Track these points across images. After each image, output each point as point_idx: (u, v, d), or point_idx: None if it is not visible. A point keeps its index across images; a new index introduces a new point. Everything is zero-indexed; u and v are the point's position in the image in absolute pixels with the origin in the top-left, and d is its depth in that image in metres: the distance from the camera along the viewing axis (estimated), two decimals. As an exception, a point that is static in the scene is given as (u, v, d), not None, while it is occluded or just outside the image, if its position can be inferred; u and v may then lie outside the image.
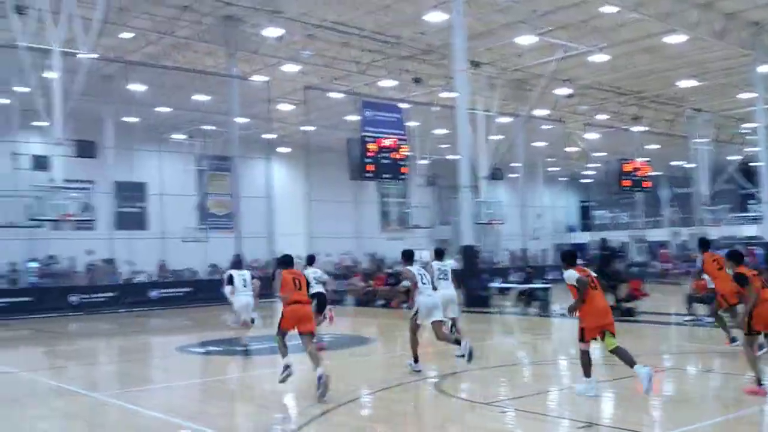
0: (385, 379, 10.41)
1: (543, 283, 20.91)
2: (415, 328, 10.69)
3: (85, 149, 19.87)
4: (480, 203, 27.44)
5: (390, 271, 24.38)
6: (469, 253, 22.20)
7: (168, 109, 35.64)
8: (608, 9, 24.10)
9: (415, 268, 11.00)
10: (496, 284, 22.29)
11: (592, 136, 39.94)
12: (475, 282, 21.70)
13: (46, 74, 21.75)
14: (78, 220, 19.31)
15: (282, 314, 9.43)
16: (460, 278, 13.09)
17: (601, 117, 40.00)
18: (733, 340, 11.24)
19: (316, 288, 13.34)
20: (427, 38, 27.97)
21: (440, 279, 11.59)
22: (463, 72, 21.67)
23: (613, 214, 55.43)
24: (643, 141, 39.65)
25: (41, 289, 26.25)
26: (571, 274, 8.36)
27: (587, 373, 8.40)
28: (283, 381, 9.16)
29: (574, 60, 28.18)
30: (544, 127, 39.23)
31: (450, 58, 25.51)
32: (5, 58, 27.33)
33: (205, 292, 26.05)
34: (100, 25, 18.37)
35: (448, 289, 11.70)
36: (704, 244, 12.22)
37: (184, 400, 9.49)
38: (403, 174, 26.33)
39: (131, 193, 35.61)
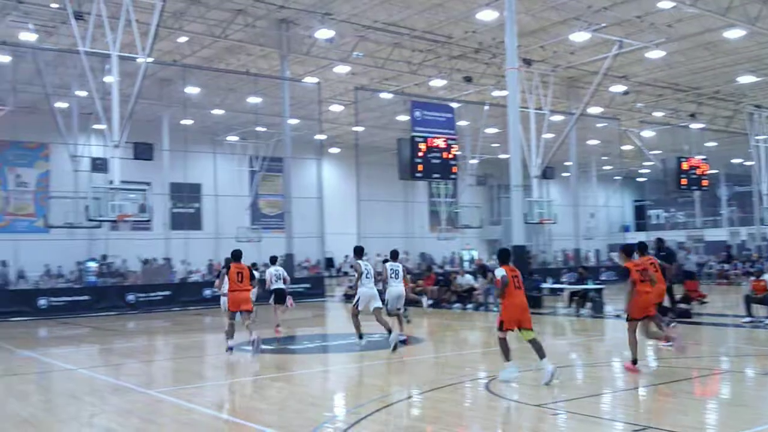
0: (434, 380, 10.37)
1: (596, 283, 20.55)
2: (355, 313, 13.16)
3: (143, 151, 20.33)
4: (531, 202, 27.12)
5: (441, 271, 24.28)
6: (519, 253, 21.97)
7: (222, 112, 36.32)
8: (665, 4, 23.57)
9: (363, 263, 13.07)
10: (547, 285, 22.00)
11: (648, 133, 39.05)
12: (526, 282, 21.46)
13: (105, 79, 22.38)
14: (135, 221, 19.76)
15: (229, 299, 12.69)
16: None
17: (658, 114, 39.12)
18: None
19: (277, 284, 16.04)
20: (478, 36, 27.79)
21: (391, 277, 13.50)
22: (514, 70, 21.45)
23: (668, 214, 54.15)
24: (701, 138, 38.61)
25: (99, 288, 26.98)
26: (499, 271, 9.66)
27: (507, 357, 9.61)
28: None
29: (629, 56, 27.64)
30: (598, 125, 38.56)
31: (501, 57, 25.29)
32: (66, 64, 28.33)
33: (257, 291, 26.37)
34: (156, 30, 18.78)
35: (398, 286, 13.54)
36: None
37: (236, 397, 9.63)
38: (453, 173, 26.19)
39: (186, 193, 36.40)
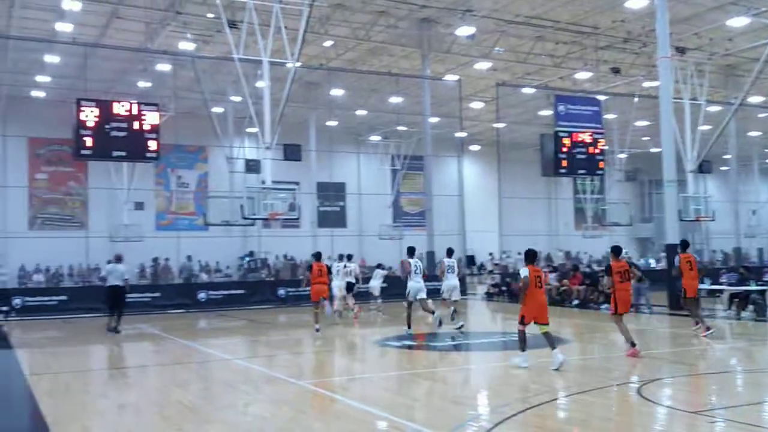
0: (581, 382, 10.07)
1: (759, 284, 19.10)
2: (409, 304, 15.58)
3: (292, 152, 21.14)
4: (686, 198, 25.59)
5: (588, 270, 23.49)
6: (673, 253, 20.86)
7: (365, 112, 37.13)
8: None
9: (413, 261, 15.63)
10: (705, 286, 20.68)
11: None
12: (678, 283, 20.35)
13: (257, 84, 23.53)
14: (285, 219, 20.62)
15: (311, 291, 16.34)
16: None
17: (829, 101, 35.80)
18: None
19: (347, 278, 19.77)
20: (627, 26, 26.67)
21: (448, 272, 16.29)
22: (667, 59, 20.37)
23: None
24: None
25: (253, 283, 28.40)
26: (523, 271, 10.83)
27: (523, 348, 10.78)
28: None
29: (795, 40, 25.43)
30: (760, 115, 35.85)
31: (652, 46, 24.11)
32: (221, 71, 30.08)
33: (398, 287, 26.69)
34: (303, 36, 19.49)
35: (452, 280, 16.29)
36: None
37: (382, 392, 9.83)
38: (600, 169, 25.33)
39: (331, 192, 37.56)
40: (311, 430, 7.75)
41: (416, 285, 15.33)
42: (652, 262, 40.36)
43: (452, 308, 16.18)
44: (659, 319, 18.91)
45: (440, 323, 15.29)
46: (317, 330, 15.95)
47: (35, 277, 33.28)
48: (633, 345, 11.76)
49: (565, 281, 23.58)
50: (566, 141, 24.16)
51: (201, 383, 11.04)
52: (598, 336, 16.42)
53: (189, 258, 32.96)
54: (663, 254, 21.02)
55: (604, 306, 21.40)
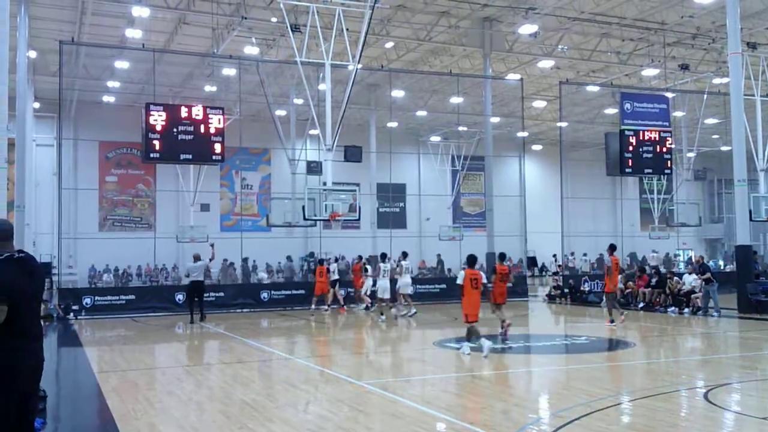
0: (645, 387, 9.84)
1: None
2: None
3: (352, 154, 21.29)
4: (757, 198, 24.67)
5: (651, 272, 22.90)
6: (744, 254, 20.20)
7: (425, 113, 37.12)
8: None
9: (382, 264, 20.29)
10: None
11: None
12: (752, 286, 19.73)
13: (319, 86, 23.78)
14: (346, 220, 20.77)
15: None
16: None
17: None
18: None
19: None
20: (695, 21, 25.92)
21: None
22: (737, 55, 19.70)
23: None
24: None
25: (313, 284, 28.63)
26: (461, 274, 12.47)
27: (470, 338, 12.38)
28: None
29: None
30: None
31: (722, 41, 23.36)
32: (284, 74, 30.55)
33: (457, 289, 26.51)
34: (365, 38, 19.60)
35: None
36: None
37: (441, 393, 9.81)
38: (667, 168, 24.69)
39: (391, 193, 37.64)
40: (371, 430, 7.79)
41: (383, 283, 19.87)
42: (721, 264, 39.10)
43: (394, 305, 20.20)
44: (729, 322, 18.30)
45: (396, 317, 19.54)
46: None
47: (105, 277, 34.44)
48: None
49: (630, 283, 23.05)
50: (632, 139, 23.64)
51: (263, 381, 11.23)
52: (663, 340, 16.00)
53: (245, 260, 33.56)
54: (731, 256, 20.33)
55: (671, 309, 20.85)
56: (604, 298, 18.36)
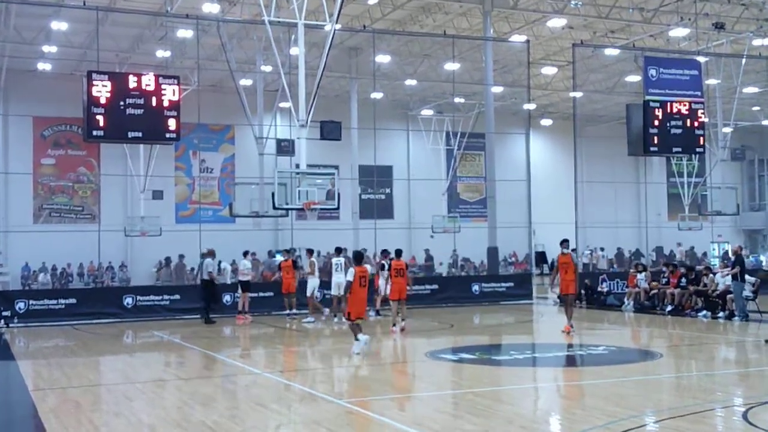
0: (674, 405, 9.90)
1: None
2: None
3: (330, 131, 21.26)
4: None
5: (683, 270, 22.95)
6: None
7: (415, 82, 37.03)
8: None
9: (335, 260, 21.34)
10: None
11: None
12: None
13: (291, 51, 23.63)
14: (322, 209, 20.71)
15: None
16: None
17: None
18: None
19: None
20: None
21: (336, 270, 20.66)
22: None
23: None
24: None
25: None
26: (350, 272, 13.89)
27: (356, 336, 14.08)
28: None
29: None
30: None
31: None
32: (250, 35, 30.31)
33: (451, 290, 26.59)
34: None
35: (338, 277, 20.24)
36: None
37: (435, 413, 9.80)
38: (700, 146, 24.72)
39: (376, 177, 37.51)
40: (352, 458, 7.78)
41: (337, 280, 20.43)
42: (763, 260, 39.29)
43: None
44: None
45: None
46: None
47: (41, 278, 34.26)
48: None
49: (655, 283, 23.15)
50: (658, 112, 23.66)
51: (227, 400, 11.20)
52: (695, 349, 16.09)
53: (181, 257, 33.63)
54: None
55: (702, 313, 20.94)
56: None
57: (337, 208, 22.31)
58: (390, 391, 11.71)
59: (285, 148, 27.65)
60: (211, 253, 21.60)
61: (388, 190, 40.73)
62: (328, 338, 18.94)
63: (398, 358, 15.65)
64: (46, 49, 31.86)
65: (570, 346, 15.98)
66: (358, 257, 14.84)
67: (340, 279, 19.88)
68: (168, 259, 35.47)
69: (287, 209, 21.00)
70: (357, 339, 14.15)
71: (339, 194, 20.17)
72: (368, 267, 16.75)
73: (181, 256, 34.12)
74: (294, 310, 21.90)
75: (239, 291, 22.14)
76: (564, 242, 17.86)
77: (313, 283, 21.73)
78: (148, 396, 11.44)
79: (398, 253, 19.41)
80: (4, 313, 21.42)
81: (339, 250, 22.02)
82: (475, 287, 26.60)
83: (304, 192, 19.10)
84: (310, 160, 20.30)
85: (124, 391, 11.78)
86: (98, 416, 9.89)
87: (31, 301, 22.44)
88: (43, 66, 34.05)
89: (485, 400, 10.59)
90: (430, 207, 35.51)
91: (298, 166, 20.05)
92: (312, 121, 20.10)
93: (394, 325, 18.08)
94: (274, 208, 19.93)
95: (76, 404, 10.64)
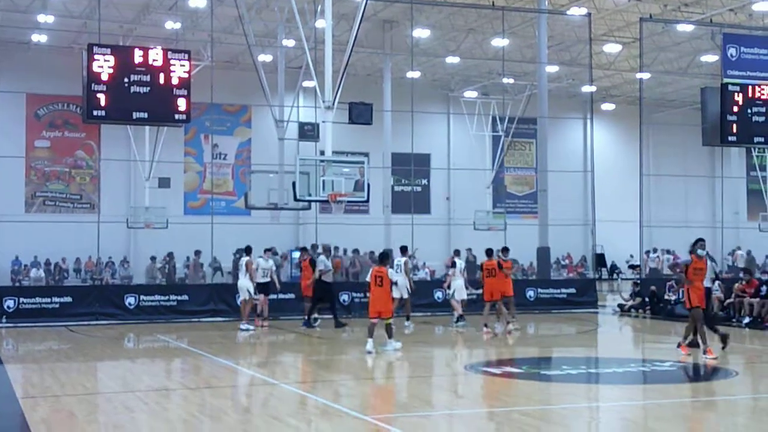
0: (750, 430, 9.79)
1: None
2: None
3: (360, 114, 21.16)
4: None
5: (764, 277, 22.71)
6: None
7: (457, 60, 36.95)
8: None
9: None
10: None
11: None
12: None
13: (317, 23, 23.66)
14: (349, 201, 20.76)
15: None
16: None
17: None
18: None
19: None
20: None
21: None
22: None
23: None
24: None
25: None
26: (391, 272, 16.34)
27: (371, 336, 15.85)
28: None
29: None
30: None
31: None
32: (271, 6, 30.43)
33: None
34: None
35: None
36: None
37: (474, 434, 9.81)
38: (785, 136, 24.45)
39: (412, 167, 37.42)
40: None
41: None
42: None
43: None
44: None
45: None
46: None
47: (33, 273, 34.63)
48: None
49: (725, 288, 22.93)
50: (738, 97, 23.47)
51: (238, 413, 11.27)
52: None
53: (197, 252, 33.70)
54: None
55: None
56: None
57: (367, 201, 22.28)
58: (422, 408, 11.71)
59: (308, 132, 27.69)
60: (326, 250, 22.40)
61: (425, 182, 40.68)
62: (354, 346, 18.97)
63: (433, 371, 15.66)
64: (41, 18, 32.20)
65: (640, 361, 15.89)
66: (383, 257, 16.66)
67: (400, 280, 20.04)
68: (170, 255, 35.47)
69: (310, 201, 21.10)
70: (391, 338, 16.19)
71: (369, 185, 20.16)
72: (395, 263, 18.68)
73: (198, 252, 34.00)
74: (315, 315, 21.50)
75: (255, 294, 21.50)
76: (699, 242, 15.84)
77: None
78: (151, 407, 11.53)
79: (488, 252, 20.99)
80: (-8, 313, 21.75)
81: (404, 249, 21.94)
82: (530, 293, 26.33)
83: (329, 182, 19.15)
84: (336, 147, 20.35)
85: (123, 401, 11.90)
86: (95, 428, 10.00)
87: (21, 299, 22.72)
88: (38, 38, 34.45)
89: (533, 419, 10.56)
90: (473, 201, 35.45)
91: (323, 153, 20.15)
92: (339, 103, 20.14)
93: (485, 325, 19.47)
94: (296, 199, 19.99)
95: (70, 414, 10.76)
